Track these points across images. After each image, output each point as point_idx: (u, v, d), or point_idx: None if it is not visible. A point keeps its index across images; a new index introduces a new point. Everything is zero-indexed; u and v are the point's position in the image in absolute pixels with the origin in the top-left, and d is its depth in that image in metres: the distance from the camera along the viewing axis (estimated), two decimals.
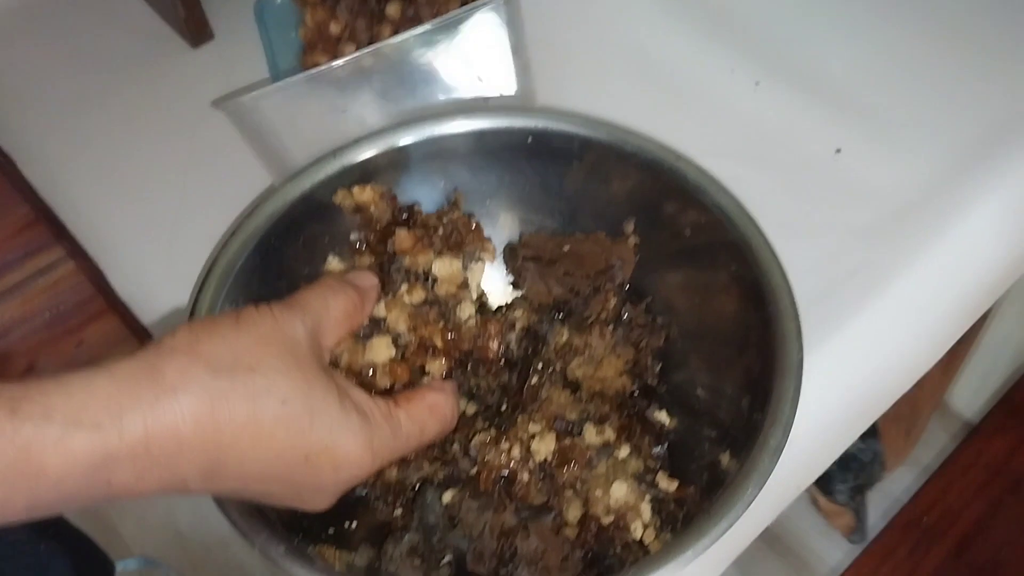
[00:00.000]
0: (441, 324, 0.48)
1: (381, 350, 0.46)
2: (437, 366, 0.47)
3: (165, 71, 0.77)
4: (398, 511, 0.51)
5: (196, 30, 0.77)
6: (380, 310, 0.47)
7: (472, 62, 0.62)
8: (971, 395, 1.36)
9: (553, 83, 0.71)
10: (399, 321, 0.47)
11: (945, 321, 0.64)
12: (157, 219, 0.68)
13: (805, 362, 0.55)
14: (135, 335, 0.70)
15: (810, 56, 0.74)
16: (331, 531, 0.49)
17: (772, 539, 1.31)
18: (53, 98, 0.77)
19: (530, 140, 0.57)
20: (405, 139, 0.57)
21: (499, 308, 0.59)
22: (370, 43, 0.63)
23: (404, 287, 0.49)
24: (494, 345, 0.48)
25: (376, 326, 0.47)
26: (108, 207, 0.70)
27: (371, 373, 0.46)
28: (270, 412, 0.38)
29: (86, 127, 0.75)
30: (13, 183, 0.89)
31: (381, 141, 0.57)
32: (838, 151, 0.69)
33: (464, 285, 0.49)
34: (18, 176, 0.75)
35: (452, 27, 0.59)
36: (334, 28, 0.64)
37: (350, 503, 0.52)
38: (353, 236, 0.55)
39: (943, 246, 0.64)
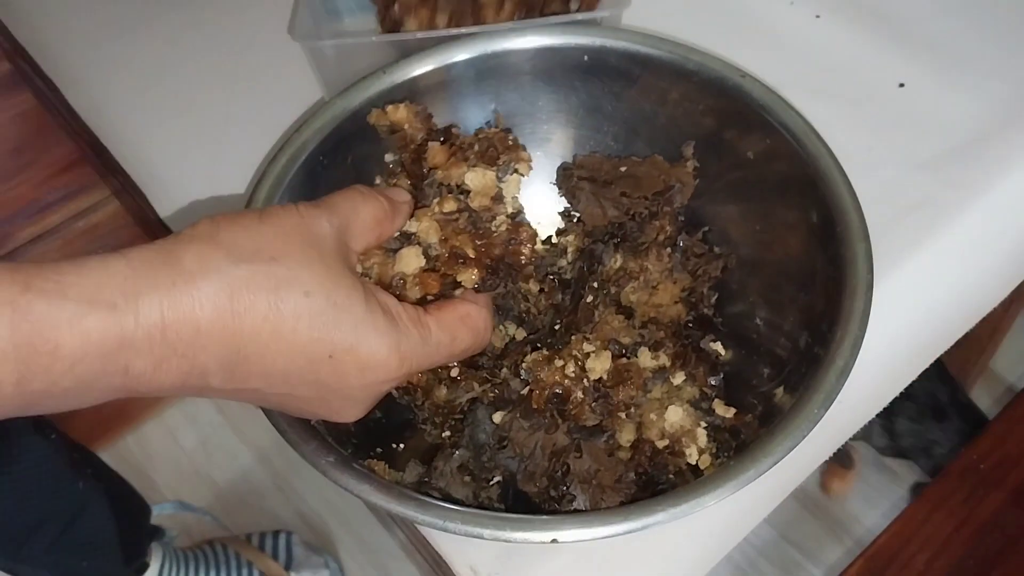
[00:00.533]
0: (471, 232, 0.46)
1: (411, 260, 0.45)
2: (469, 276, 0.45)
3: None
4: (446, 433, 0.49)
5: None
6: (412, 225, 0.46)
7: None
8: (1016, 359, 1.33)
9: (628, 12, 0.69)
10: (430, 232, 0.46)
11: (1008, 259, 0.62)
12: (204, 143, 0.68)
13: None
14: None
15: None
16: (379, 450, 0.48)
17: (806, 498, 1.30)
18: (98, 27, 0.76)
19: (586, 59, 0.55)
20: (456, 56, 0.55)
21: (550, 237, 0.58)
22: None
23: (436, 200, 0.47)
24: (526, 250, 0.46)
25: (407, 239, 0.46)
26: (154, 133, 0.69)
27: (402, 284, 0.45)
28: (291, 303, 0.37)
29: (129, 54, 0.74)
30: (55, 118, 0.89)
31: (430, 58, 0.55)
32: (901, 85, 0.67)
33: (499, 198, 0.47)
34: (64, 108, 0.75)
35: None
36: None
37: (397, 425, 0.51)
38: (389, 157, 0.54)
39: (1007, 182, 0.62)
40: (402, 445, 0.50)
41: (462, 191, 0.47)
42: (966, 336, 0.65)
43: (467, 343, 0.44)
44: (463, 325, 0.44)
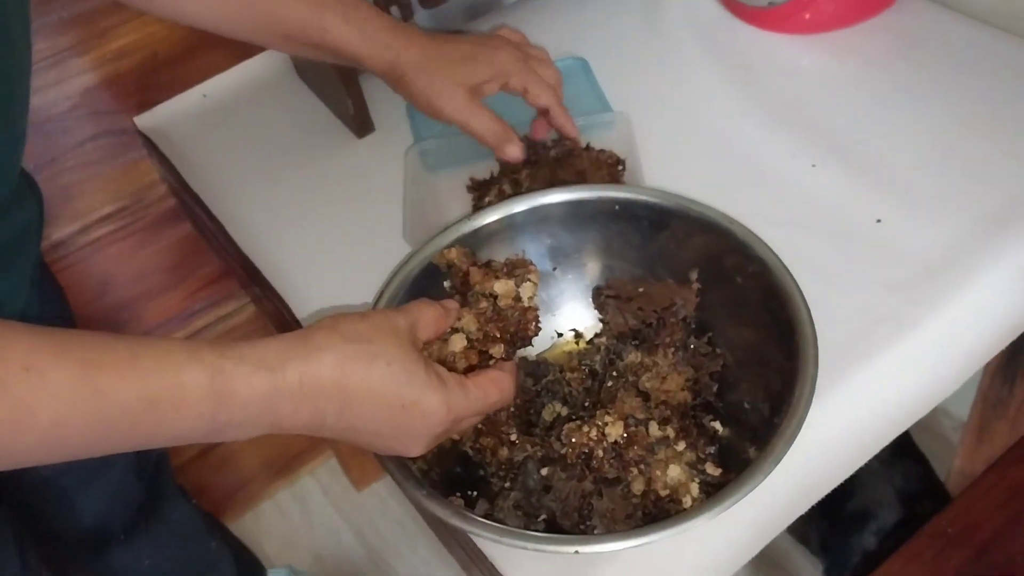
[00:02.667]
0: (497, 321, 0.65)
1: (457, 342, 0.64)
2: (497, 349, 0.65)
3: (335, 155, 0.98)
4: (507, 484, 0.67)
5: (361, 124, 0.97)
6: (458, 322, 0.65)
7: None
8: None
9: (648, 160, 0.88)
10: (471, 323, 0.65)
11: (960, 360, 0.76)
12: (330, 264, 0.88)
13: (832, 390, 0.70)
14: None
15: (859, 143, 0.89)
16: (457, 494, 0.66)
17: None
18: (250, 174, 0.98)
19: (616, 208, 0.74)
20: (516, 208, 0.74)
21: (592, 338, 0.76)
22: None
23: (475, 302, 0.66)
24: (532, 326, 0.66)
25: (455, 331, 0.65)
26: (293, 255, 0.90)
27: (452, 359, 0.64)
28: (379, 370, 0.55)
29: (274, 195, 0.95)
30: (208, 241, 1.11)
31: (496, 211, 0.75)
32: (879, 221, 0.83)
33: (518, 298, 0.66)
34: (220, 232, 0.96)
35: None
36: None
37: (473, 478, 0.69)
38: (446, 284, 0.73)
39: (963, 299, 0.76)
40: (475, 492, 0.67)
41: (493, 296, 0.66)
42: None
43: (495, 397, 0.62)
44: (493, 385, 0.62)
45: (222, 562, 1.17)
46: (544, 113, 0.84)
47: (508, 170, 0.84)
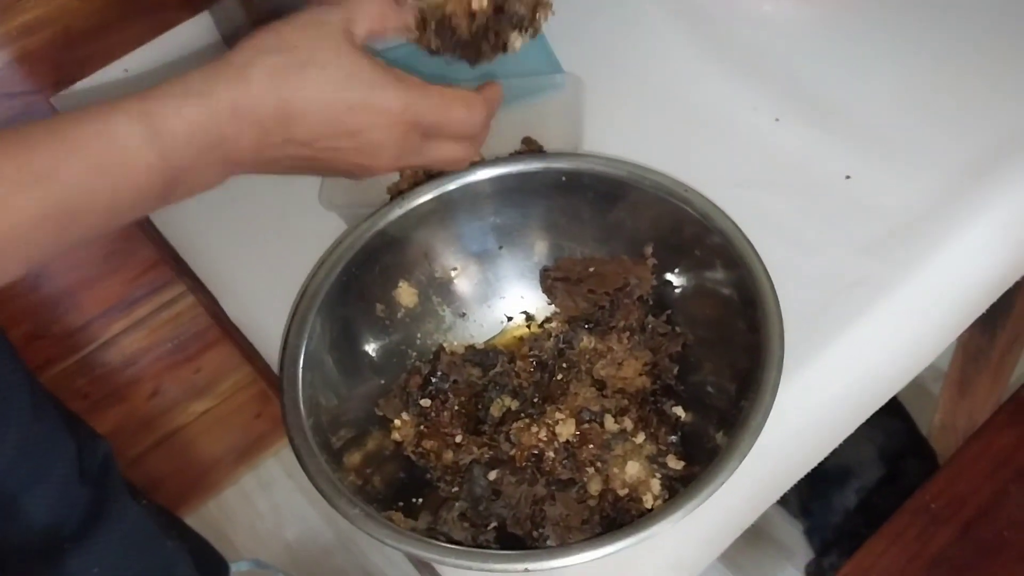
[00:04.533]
0: None
1: None
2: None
3: None
4: (455, 488, 0.61)
5: None
6: None
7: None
8: None
9: (598, 123, 0.82)
10: None
11: (938, 326, 0.71)
12: (263, 256, 0.81)
13: (803, 364, 0.65)
14: (248, 361, 0.82)
15: (824, 94, 0.83)
16: (401, 504, 0.60)
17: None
18: None
19: (564, 179, 0.68)
20: (450, 186, 0.68)
21: (543, 321, 0.70)
22: None
23: None
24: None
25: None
26: (223, 248, 0.83)
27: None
28: (313, 77, 0.52)
29: None
30: (140, 226, 1.05)
31: (437, 187, 0.68)
32: (848, 177, 0.77)
33: None
34: (147, 221, 0.89)
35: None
36: None
37: (418, 483, 0.63)
38: None
39: (938, 259, 0.71)
40: (420, 499, 0.62)
41: None
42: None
43: (460, 113, 0.57)
44: (458, 98, 0.57)
45: (179, 563, 1.11)
46: None
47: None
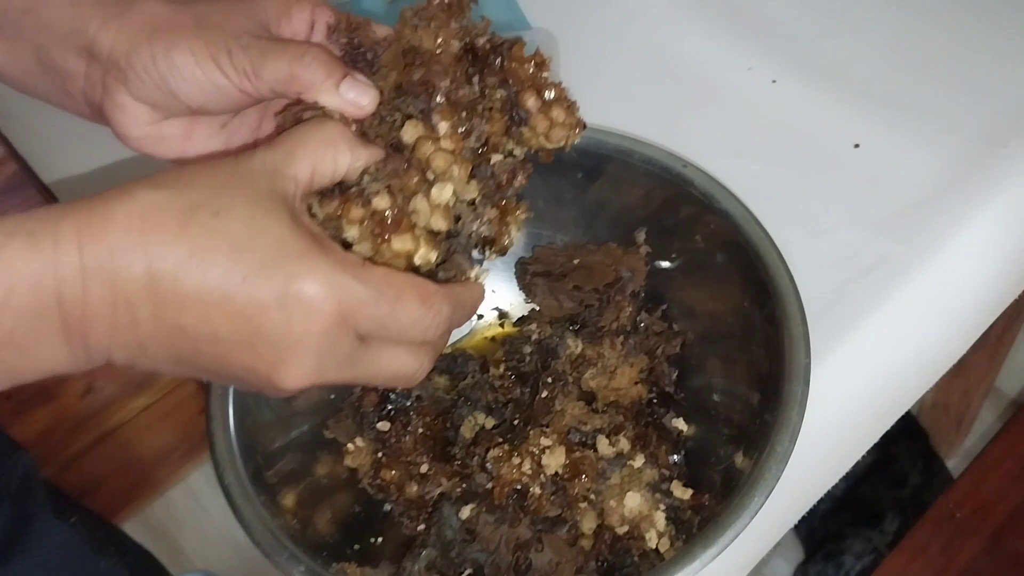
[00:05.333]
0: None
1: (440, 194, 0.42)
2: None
3: None
4: (421, 526, 0.52)
5: None
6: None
7: None
8: (1021, 377, 1.33)
9: (574, 87, 0.72)
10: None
11: (965, 317, 0.63)
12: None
13: (821, 361, 0.56)
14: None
15: (826, 52, 0.74)
16: (356, 547, 0.51)
17: None
18: (91, 135, 0.80)
19: (539, 154, 0.58)
20: None
21: (519, 320, 0.61)
22: None
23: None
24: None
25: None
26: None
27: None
28: (201, 223, 0.35)
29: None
30: None
31: None
32: (856, 146, 0.69)
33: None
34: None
35: None
36: None
37: (376, 518, 0.54)
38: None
39: (962, 237, 0.63)
40: (380, 539, 0.52)
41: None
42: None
43: (414, 311, 0.39)
44: (413, 289, 0.39)
45: None
46: None
47: None
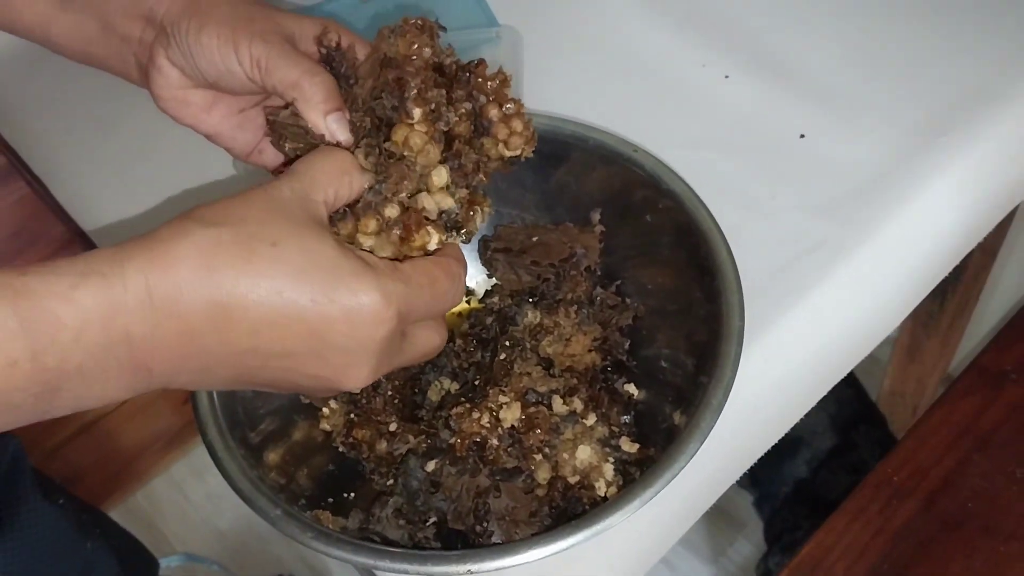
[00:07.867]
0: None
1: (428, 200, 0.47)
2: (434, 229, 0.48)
3: None
4: (390, 481, 0.56)
5: None
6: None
7: None
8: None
9: (537, 80, 0.76)
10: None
11: (899, 293, 0.68)
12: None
13: (763, 330, 0.61)
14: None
15: (776, 50, 0.78)
16: (331, 500, 0.55)
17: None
18: (76, 125, 0.83)
19: None
20: None
21: (484, 295, 0.65)
22: None
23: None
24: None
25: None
26: (134, 227, 0.76)
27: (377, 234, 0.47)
28: (262, 257, 0.39)
29: (104, 149, 0.81)
30: (48, 202, 0.96)
31: None
32: (802, 136, 0.73)
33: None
34: (51, 199, 0.82)
35: None
36: None
37: (349, 475, 0.58)
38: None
39: (898, 219, 0.68)
40: (353, 494, 0.56)
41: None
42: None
43: (446, 285, 0.45)
44: (438, 268, 0.45)
45: (99, 564, 1.04)
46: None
47: None
